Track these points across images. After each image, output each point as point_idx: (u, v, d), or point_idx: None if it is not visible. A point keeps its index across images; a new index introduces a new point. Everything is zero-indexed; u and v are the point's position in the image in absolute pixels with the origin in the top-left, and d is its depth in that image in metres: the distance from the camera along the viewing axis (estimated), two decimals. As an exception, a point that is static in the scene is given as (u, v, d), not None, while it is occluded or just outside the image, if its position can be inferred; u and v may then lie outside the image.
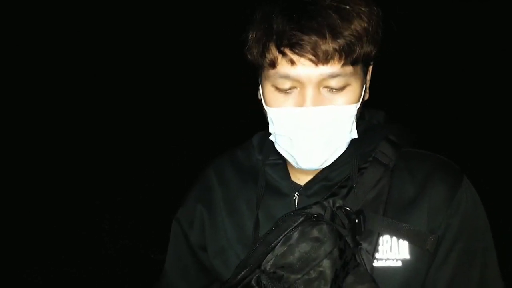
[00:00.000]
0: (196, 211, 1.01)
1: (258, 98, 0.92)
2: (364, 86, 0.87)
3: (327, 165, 0.87)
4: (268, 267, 0.78)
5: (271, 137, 0.90)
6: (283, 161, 0.94)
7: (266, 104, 0.86)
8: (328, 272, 0.76)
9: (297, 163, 0.87)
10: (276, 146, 0.90)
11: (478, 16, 5.73)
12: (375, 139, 0.91)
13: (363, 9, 0.79)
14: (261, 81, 0.88)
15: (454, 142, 4.62)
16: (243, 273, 0.80)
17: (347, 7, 0.77)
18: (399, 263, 0.84)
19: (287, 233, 0.78)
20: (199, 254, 1.01)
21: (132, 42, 5.94)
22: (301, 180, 0.93)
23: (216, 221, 0.98)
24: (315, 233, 0.78)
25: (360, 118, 0.93)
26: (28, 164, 4.62)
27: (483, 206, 0.89)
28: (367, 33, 0.79)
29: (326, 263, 0.77)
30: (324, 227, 0.78)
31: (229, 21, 0.89)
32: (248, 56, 0.85)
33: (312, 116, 0.81)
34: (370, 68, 0.90)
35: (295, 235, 0.78)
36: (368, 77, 0.90)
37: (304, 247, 0.77)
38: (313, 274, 0.77)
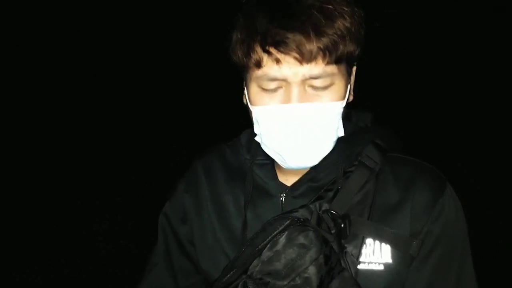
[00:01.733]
0: (185, 206, 1.01)
1: (243, 102, 0.92)
2: (349, 86, 0.88)
3: (316, 163, 0.88)
4: (254, 273, 0.79)
5: (257, 138, 0.91)
6: (271, 161, 0.94)
7: (251, 104, 0.87)
8: (314, 279, 0.77)
9: (285, 162, 0.87)
10: (263, 147, 0.90)
11: (466, 15, 5.73)
12: (361, 142, 0.92)
13: (345, 9, 0.80)
14: (246, 82, 0.88)
15: (445, 142, 4.64)
16: (228, 276, 0.81)
17: (330, 6, 0.79)
18: (381, 267, 0.86)
19: (274, 237, 0.79)
20: (188, 249, 1.01)
21: (132, 42, 5.94)
22: (289, 180, 0.94)
23: (203, 218, 0.98)
24: (301, 239, 0.78)
25: (347, 120, 0.94)
26: (28, 164, 4.62)
27: (463, 212, 0.91)
28: (350, 32, 0.80)
29: (311, 269, 0.77)
30: (311, 233, 0.79)
31: (229, 20, 0.89)
32: (233, 57, 0.86)
33: (298, 112, 0.81)
34: (354, 69, 0.91)
35: (282, 240, 0.79)
36: (352, 78, 0.91)
37: (290, 253, 0.78)
38: (298, 281, 0.77)
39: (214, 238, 0.96)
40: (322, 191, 0.88)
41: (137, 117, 5.42)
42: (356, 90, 0.93)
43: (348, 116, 0.96)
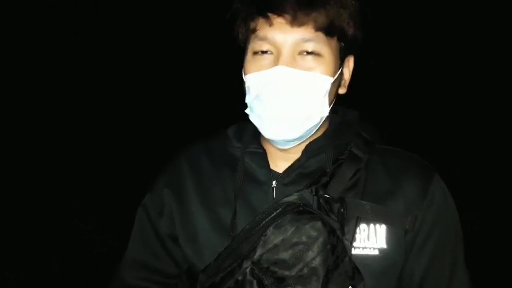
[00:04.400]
0: (165, 198, 0.99)
1: (243, 87, 0.93)
2: (340, 70, 0.89)
3: (297, 136, 0.88)
4: (261, 261, 0.79)
5: (247, 110, 0.91)
6: (263, 149, 0.95)
7: (245, 74, 0.88)
8: (321, 269, 0.78)
9: (266, 130, 0.87)
10: (250, 116, 0.90)
11: (447, 18, 5.75)
12: (349, 132, 0.94)
13: None
14: (244, 56, 0.89)
15: (434, 143, 4.67)
16: (226, 265, 0.80)
17: None
18: (376, 252, 0.87)
19: (275, 222, 0.80)
20: (167, 243, 0.99)
21: (132, 42, 5.94)
22: (279, 167, 0.94)
23: (188, 209, 0.96)
24: (309, 229, 0.79)
25: (334, 113, 0.97)
26: (22, 164, 4.61)
27: (453, 199, 0.93)
28: (344, 8, 0.84)
29: (318, 259, 0.78)
30: (319, 223, 0.79)
31: (229, 20, 0.91)
32: (235, 30, 0.89)
33: (283, 74, 0.82)
34: (351, 61, 0.93)
35: (289, 228, 0.79)
36: (347, 72, 0.93)
37: (297, 243, 0.78)
38: (305, 271, 0.78)
39: (200, 228, 0.95)
40: (316, 177, 0.88)
41: (138, 118, 5.42)
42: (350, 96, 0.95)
43: (335, 111, 0.98)
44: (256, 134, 0.95)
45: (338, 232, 0.82)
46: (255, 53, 0.86)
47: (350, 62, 0.94)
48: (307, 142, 0.92)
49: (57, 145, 4.97)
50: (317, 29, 0.82)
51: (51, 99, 5.51)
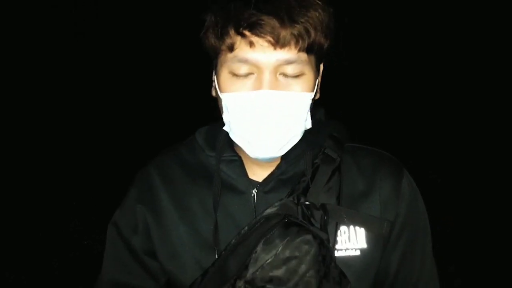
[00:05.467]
0: (138, 214, 0.95)
1: (211, 94, 0.91)
2: (317, 81, 0.88)
3: (282, 153, 0.87)
4: (255, 280, 0.77)
5: (225, 128, 0.89)
6: (239, 157, 0.92)
7: (221, 91, 0.85)
8: (314, 281, 0.78)
9: (253, 151, 0.85)
10: (231, 135, 0.88)
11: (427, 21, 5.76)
12: (322, 135, 0.94)
13: (318, 2, 0.82)
14: (216, 70, 0.87)
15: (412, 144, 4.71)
16: (215, 283, 0.79)
17: None
18: (358, 252, 0.89)
19: (264, 237, 0.78)
20: (143, 259, 0.95)
21: (132, 43, 5.93)
22: (257, 176, 0.92)
23: (165, 224, 0.93)
24: (300, 243, 0.78)
25: None
26: (22, 165, 4.60)
27: (419, 192, 0.96)
28: (322, 23, 0.81)
29: (311, 272, 0.78)
30: (309, 236, 0.79)
31: (199, 28, 0.89)
32: (205, 41, 0.85)
33: (269, 99, 0.80)
34: (321, 67, 0.93)
35: (279, 243, 0.78)
36: (319, 77, 0.91)
37: (290, 259, 0.78)
38: (300, 285, 0.78)
39: (180, 243, 0.92)
40: (297, 183, 0.88)
41: (134, 117, 5.42)
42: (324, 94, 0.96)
43: None
44: (230, 140, 0.91)
45: (327, 243, 0.82)
46: (233, 73, 0.82)
47: (321, 67, 0.93)
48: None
49: (57, 145, 4.97)
50: (300, 49, 0.80)
51: (51, 99, 5.51)
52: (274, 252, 0.78)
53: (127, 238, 0.96)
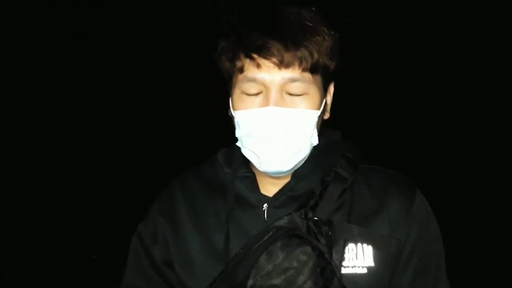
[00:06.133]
0: (158, 226, 1.02)
1: (228, 115, 0.98)
2: (324, 101, 0.94)
3: (290, 167, 0.92)
4: (255, 287, 0.81)
5: (238, 143, 0.95)
6: (252, 174, 0.99)
7: (234, 109, 0.93)
8: None
9: (261, 165, 0.91)
10: (243, 150, 0.94)
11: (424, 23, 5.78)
12: (335, 154, 0.98)
13: (323, 28, 0.90)
14: (230, 91, 0.94)
15: (412, 149, 4.73)
16: None
17: (309, 24, 0.89)
18: (365, 270, 0.90)
19: (267, 248, 0.83)
20: (163, 270, 1.02)
21: (131, 43, 5.94)
22: (269, 191, 0.97)
23: (182, 235, 1.00)
24: (299, 254, 0.83)
25: (320, 135, 1.00)
26: (22, 165, 4.61)
27: (433, 214, 0.98)
28: (325, 47, 0.89)
29: (309, 283, 0.81)
30: (308, 248, 0.83)
31: (215, 56, 0.98)
32: (220, 65, 0.94)
33: (274, 115, 0.87)
34: (331, 88, 0.99)
35: (279, 254, 0.82)
36: (329, 98, 0.98)
37: (289, 269, 0.82)
38: None
39: (195, 253, 0.97)
40: (305, 199, 0.92)
41: (134, 117, 5.42)
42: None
43: (320, 132, 1.02)
44: (245, 158, 0.98)
45: (327, 256, 0.85)
46: (244, 92, 0.90)
47: (331, 88, 0.99)
48: (296, 167, 0.95)
49: (57, 145, 4.97)
50: (303, 69, 0.87)
51: (51, 99, 5.51)
52: (274, 262, 0.82)
53: (148, 248, 1.03)
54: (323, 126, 1.02)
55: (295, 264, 0.82)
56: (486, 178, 4.41)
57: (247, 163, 0.99)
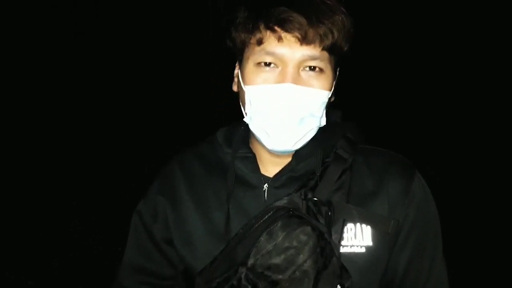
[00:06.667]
0: (158, 204, 1.02)
1: (233, 89, 0.96)
2: (334, 82, 0.93)
3: (298, 147, 0.91)
4: (256, 266, 0.82)
5: (245, 119, 0.93)
6: (253, 154, 0.97)
7: (245, 84, 0.89)
8: (311, 270, 0.82)
9: (270, 143, 0.89)
10: (251, 127, 0.92)
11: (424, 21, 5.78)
12: (335, 135, 0.97)
13: (342, 8, 0.88)
14: (241, 64, 0.91)
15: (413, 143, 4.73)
16: (223, 267, 0.84)
17: (330, 2, 0.87)
18: (363, 249, 0.91)
19: (268, 228, 0.83)
20: (162, 247, 1.02)
21: (131, 43, 5.94)
22: (270, 172, 0.96)
23: (182, 213, 1.00)
24: (299, 234, 0.83)
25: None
26: (22, 165, 4.60)
27: (431, 195, 0.98)
28: (344, 27, 0.87)
29: (309, 262, 0.82)
30: (308, 228, 0.83)
31: (225, 26, 0.94)
32: (235, 35, 0.89)
33: (291, 92, 0.85)
34: (337, 71, 0.97)
35: (280, 234, 0.82)
36: (335, 80, 0.96)
37: (289, 248, 0.82)
38: (297, 274, 0.82)
39: (195, 231, 0.98)
40: (305, 180, 0.92)
41: (133, 117, 5.42)
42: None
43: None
44: (245, 138, 0.98)
45: (326, 235, 0.85)
46: (258, 63, 0.87)
47: (337, 73, 0.98)
48: None
49: (57, 145, 4.97)
50: (324, 48, 0.85)
51: (51, 99, 5.52)
52: (274, 242, 0.82)
53: (149, 226, 1.03)
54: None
55: (295, 243, 0.82)
56: (484, 174, 4.41)
57: (247, 143, 0.99)
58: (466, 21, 5.49)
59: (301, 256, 0.82)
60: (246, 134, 0.97)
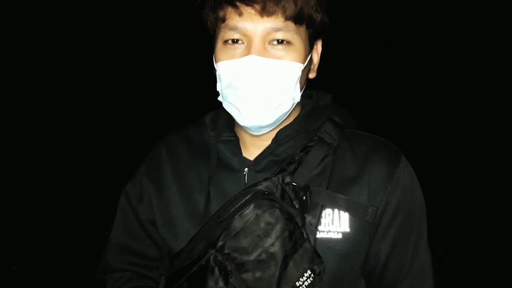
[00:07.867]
0: (143, 186, 1.03)
1: (214, 74, 0.95)
2: (310, 56, 0.91)
3: (272, 121, 0.90)
4: (224, 248, 0.82)
5: (219, 98, 0.93)
6: (236, 138, 0.98)
7: (215, 62, 0.90)
8: (279, 253, 0.82)
9: (242, 119, 0.89)
10: (224, 104, 0.92)
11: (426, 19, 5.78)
12: (320, 118, 0.96)
13: None
14: (214, 45, 0.91)
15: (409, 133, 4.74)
16: (196, 248, 0.85)
17: None
18: (340, 235, 0.90)
19: (239, 208, 0.83)
20: (149, 228, 1.03)
21: (131, 43, 5.94)
22: (252, 155, 0.97)
23: (165, 195, 1.00)
24: (267, 217, 0.82)
25: (308, 98, 1.01)
26: (22, 163, 4.61)
27: (418, 182, 0.96)
28: None
29: (276, 245, 0.82)
30: (277, 211, 0.83)
31: (198, 8, 0.96)
32: (205, 18, 0.91)
33: (255, 63, 0.85)
34: (319, 45, 0.96)
35: (250, 217, 0.82)
36: (316, 57, 0.96)
37: (256, 230, 0.82)
38: (264, 256, 0.82)
39: (177, 213, 0.99)
40: (284, 164, 0.91)
41: (133, 116, 5.42)
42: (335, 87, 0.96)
43: (309, 95, 1.02)
44: (229, 122, 0.98)
45: (297, 219, 0.85)
46: (226, 41, 0.87)
47: (318, 47, 0.97)
48: (278, 129, 0.94)
49: (57, 143, 4.97)
50: (287, 18, 0.84)
51: (51, 99, 5.52)
52: (244, 224, 0.82)
53: (135, 206, 1.04)
54: (315, 90, 1.01)
55: (262, 226, 0.82)
56: (480, 163, 4.41)
57: (231, 126, 0.99)
58: (465, 19, 5.49)
59: (268, 239, 0.82)
60: (230, 117, 0.96)
